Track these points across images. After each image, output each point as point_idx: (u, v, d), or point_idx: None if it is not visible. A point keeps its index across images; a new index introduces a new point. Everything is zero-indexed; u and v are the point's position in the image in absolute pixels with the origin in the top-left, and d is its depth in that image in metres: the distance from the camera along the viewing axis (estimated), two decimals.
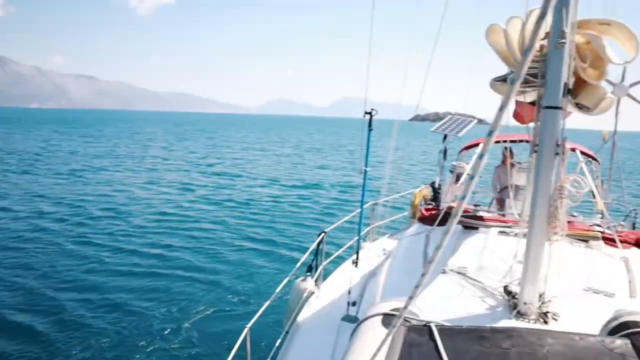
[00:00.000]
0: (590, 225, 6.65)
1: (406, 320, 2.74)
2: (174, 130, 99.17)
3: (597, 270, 4.92)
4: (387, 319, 2.73)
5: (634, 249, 6.42)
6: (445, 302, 3.99)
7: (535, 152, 3.43)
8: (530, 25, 3.46)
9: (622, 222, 8.25)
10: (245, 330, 3.69)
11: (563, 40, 3.15)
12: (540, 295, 3.74)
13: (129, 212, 18.65)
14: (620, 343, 2.57)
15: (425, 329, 2.68)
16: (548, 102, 3.30)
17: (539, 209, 3.46)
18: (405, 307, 1.88)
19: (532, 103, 3.68)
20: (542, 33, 3.43)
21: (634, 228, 8.43)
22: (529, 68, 3.60)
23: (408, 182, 25.63)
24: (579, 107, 3.64)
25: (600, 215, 7.39)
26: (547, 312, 3.70)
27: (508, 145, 7.53)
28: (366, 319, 2.78)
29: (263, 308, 4.12)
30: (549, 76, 3.27)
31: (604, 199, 8.51)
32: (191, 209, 19.62)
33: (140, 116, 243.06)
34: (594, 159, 8.32)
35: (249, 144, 63.15)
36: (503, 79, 3.84)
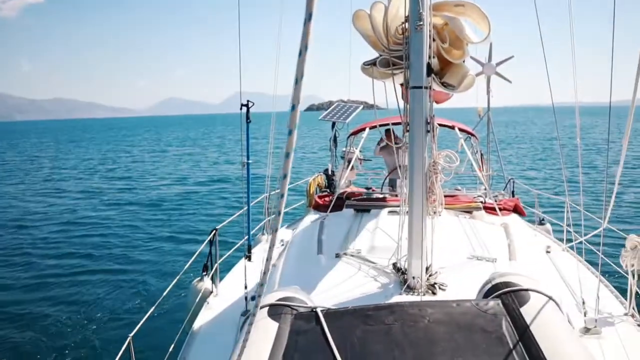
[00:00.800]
0: (474, 197, 7.04)
1: (293, 309, 2.75)
2: (63, 138, 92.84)
3: (480, 239, 5.22)
4: (273, 309, 2.72)
5: (513, 215, 6.90)
6: (339, 286, 4.05)
7: (408, 131, 3.55)
8: (392, 10, 3.57)
9: (502, 192, 8.83)
10: (128, 339, 3.52)
11: (421, 23, 3.29)
12: (427, 269, 3.90)
13: (29, 223, 17.57)
14: (492, 304, 2.73)
15: (312, 314, 2.70)
16: (414, 83, 3.42)
17: (416, 185, 3.60)
18: (259, 295, 1.86)
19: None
20: (402, 16, 3.55)
21: (513, 196, 9.04)
22: (396, 51, 3.72)
23: (311, 170, 25.99)
24: (445, 86, 3.81)
25: (484, 187, 7.83)
26: (435, 283, 3.87)
27: (390, 127, 7.75)
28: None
29: (147, 314, 3.95)
30: (412, 58, 3.40)
31: (485, 171, 9.07)
32: (95, 215, 18.69)
33: (21, 127, 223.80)
34: (472, 134, 8.79)
35: (147, 146, 60.84)
36: (372, 63, 3.94)
